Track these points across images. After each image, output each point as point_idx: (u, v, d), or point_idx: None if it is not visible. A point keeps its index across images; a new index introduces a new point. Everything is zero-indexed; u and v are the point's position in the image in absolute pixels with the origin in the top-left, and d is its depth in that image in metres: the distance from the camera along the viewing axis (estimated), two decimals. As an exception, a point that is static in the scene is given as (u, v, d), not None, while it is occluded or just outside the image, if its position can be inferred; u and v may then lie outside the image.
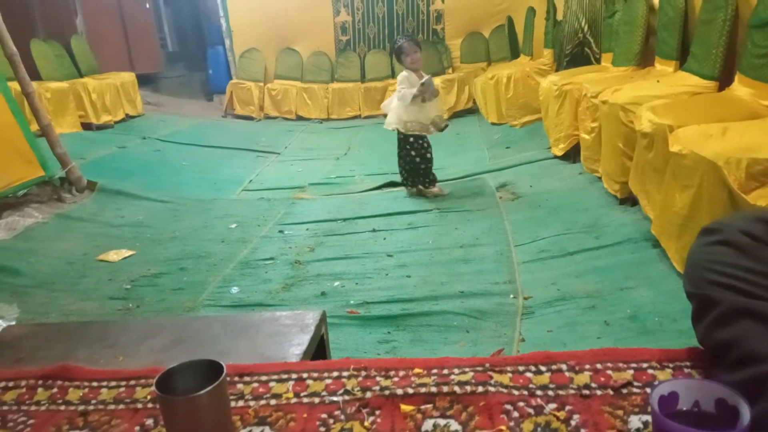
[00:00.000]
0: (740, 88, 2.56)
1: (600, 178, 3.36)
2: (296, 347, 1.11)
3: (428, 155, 3.74)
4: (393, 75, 7.55)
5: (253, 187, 4.66)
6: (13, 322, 2.43)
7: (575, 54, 5.20)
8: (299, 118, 7.76)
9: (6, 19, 3.87)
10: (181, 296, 2.58)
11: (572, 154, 4.00)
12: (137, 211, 3.84)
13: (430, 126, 3.61)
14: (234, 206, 4.03)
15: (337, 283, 2.60)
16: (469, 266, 2.67)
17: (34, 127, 4.03)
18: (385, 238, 3.16)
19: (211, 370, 0.80)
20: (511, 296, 2.32)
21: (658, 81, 3.09)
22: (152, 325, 1.23)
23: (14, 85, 3.95)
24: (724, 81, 2.75)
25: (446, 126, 3.69)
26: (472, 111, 6.98)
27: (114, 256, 3.09)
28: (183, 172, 5.02)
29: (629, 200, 2.98)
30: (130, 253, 3.13)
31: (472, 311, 2.20)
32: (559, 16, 5.67)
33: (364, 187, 4.19)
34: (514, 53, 6.88)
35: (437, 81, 6.92)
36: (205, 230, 3.50)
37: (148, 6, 7.93)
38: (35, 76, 5.37)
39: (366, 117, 7.49)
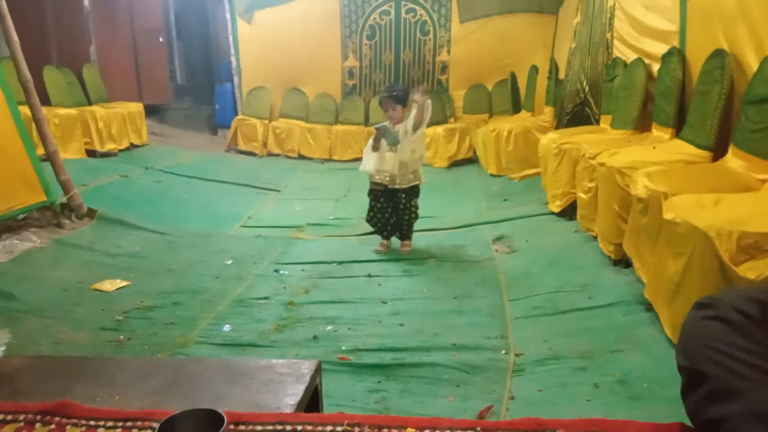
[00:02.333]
0: (734, 160, 2.64)
1: (595, 237, 3.40)
2: (291, 397, 1.12)
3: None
4: (396, 121, 7.69)
5: (252, 223, 4.69)
6: (4, 347, 2.42)
7: (576, 113, 5.35)
8: (301, 156, 7.86)
9: (23, 46, 3.98)
10: (173, 331, 2.58)
11: (569, 212, 4.06)
12: (135, 241, 3.86)
13: (375, 176, 3.65)
14: (231, 242, 4.05)
15: (329, 328, 2.60)
16: (462, 318, 2.69)
17: (40, 151, 4.08)
18: (380, 284, 3.18)
19: (209, 417, 0.81)
20: (503, 352, 2.33)
21: (654, 147, 3.17)
22: (148, 364, 1.25)
23: (24, 110, 4.02)
24: (718, 152, 2.83)
25: (386, 185, 3.63)
26: (472, 160, 7.09)
27: (108, 285, 3.09)
28: (183, 204, 5.06)
29: (623, 261, 3.01)
30: (125, 283, 3.14)
31: (464, 365, 2.21)
32: (561, 75, 5.84)
33: (362, 230, 4.22)
34: (516, 107, 7.04)
35: (439, 130, 7.08)
36: (201, 265, 3.51)
37: (161, 40, 8.12)
38: (45, 101, 5.47)
39: (367, 160, 7.59)
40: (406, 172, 3.60)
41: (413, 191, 3.68)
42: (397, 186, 3.61)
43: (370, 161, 3.64)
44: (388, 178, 3.60)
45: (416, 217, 3.74)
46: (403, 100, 3.63)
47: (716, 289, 1.92)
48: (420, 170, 3.70)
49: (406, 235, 3.74)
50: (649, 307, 2.46)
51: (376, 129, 3.56)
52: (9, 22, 3.87)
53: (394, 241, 3.81)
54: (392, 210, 3.69)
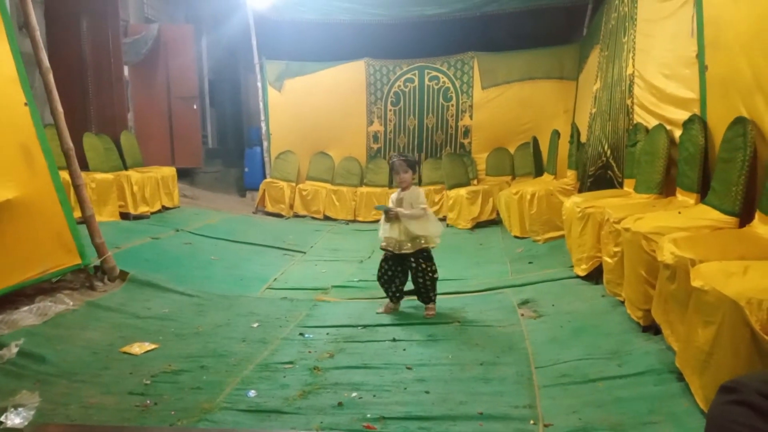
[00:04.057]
0: (760, 227, 2.62)
1: (623, 302, 3.36)
2: (318, 470, 1.13)
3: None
4: (419, 183, 7.83)
5: (278, 285, 4.74)
6: (33, 411, 2.46)
7: (598, 176, 5.38)
8: (326, 218, 8.00)
9: (66, 115, 4.21)
10: (199, 396, 2.59)
11: (595, 275, 4.03)
12: (164, 303, 3.92)
13: (384, 242, 3.75)
14: (257, 304, 4.09)
15: (354, 394, 2.59)
16: (489, 386, 2.65)
17: (77, 214, 4.22)
18: (404, 349, 3.16)
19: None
20: (531, 422, 2.28)
21: (679, 212, 3.17)
22: (180, 434, 1.26)
23: (64, 174, 4.20)
24: (744, 218, 2.82)
25: (393, 250, 3.71)
26: (496, 222, 7.12)
27: (137, 349, 3.13)
28: (211, 266, 5.14)
29: (652, 328, 2.95)
30: (153, 346, 3.18)
31: (491, 436, 2.17)
32: (583, 139, 5.92)
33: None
34: (539, 170, 7.12)
35: (462, 192, 7.17)
36: (227, 327, 3.54)
37: (195, 107, 8.49)
38: (83, 166, 5.67)
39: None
40: (414, 237, 3.66)
41: (422, 254, 3.69)
42: (404, 251, 3.68)
43: (381, 228, 3.81)
44: (394, 245, 3.71)
45: (433, 280, 3.71)
46: (413, 167, 3.80)
47: (748, 359, 1.88)
48: (432, 236, 3.71)
49: (427, 299, 3.74)
50: (680, 377, 2.40)
51: (379, 209, 3.82)
52: (55, 94, 4.12)
53: (419, 305, 3.81)
54: (402, 273, 3.75)
